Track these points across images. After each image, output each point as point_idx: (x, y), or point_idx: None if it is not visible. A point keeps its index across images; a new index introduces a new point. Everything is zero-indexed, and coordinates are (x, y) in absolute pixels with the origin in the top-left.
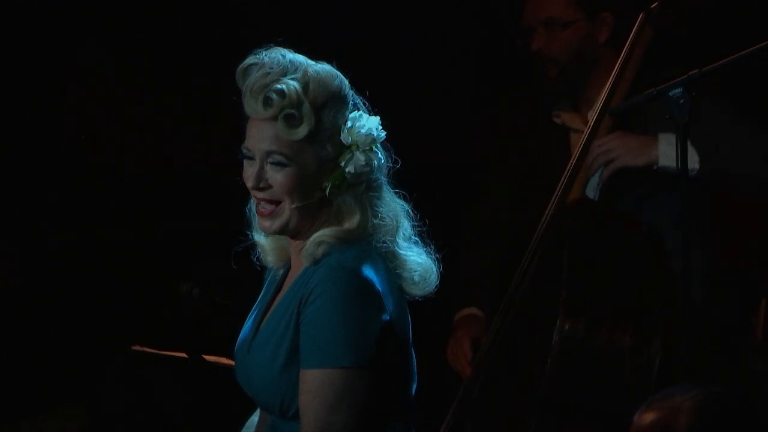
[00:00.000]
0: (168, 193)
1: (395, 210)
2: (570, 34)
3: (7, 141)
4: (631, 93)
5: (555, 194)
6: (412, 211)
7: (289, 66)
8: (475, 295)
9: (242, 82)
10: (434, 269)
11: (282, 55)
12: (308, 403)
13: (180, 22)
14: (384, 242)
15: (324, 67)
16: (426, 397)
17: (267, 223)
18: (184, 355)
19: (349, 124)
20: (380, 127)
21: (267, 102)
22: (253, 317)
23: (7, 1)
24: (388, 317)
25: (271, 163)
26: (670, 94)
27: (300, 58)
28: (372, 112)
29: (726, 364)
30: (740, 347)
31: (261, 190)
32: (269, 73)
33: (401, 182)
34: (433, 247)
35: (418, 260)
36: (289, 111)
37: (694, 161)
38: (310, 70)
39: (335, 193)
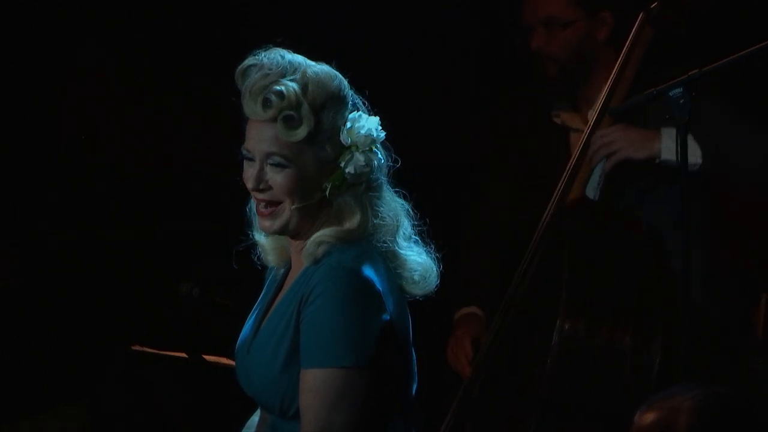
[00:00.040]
0: (168, 193)
1: (395, 209)
2: (570, 34)
3: (7, 141)
4: (631, 93)
5: (555, 194)
6: (412, 211)
7: (288, 67)
8: (476, 294)
9: (241, 83)
10: (434, 269)
11: (281, 56)
12: (308, 402)
13: (180, 22)
14: (384, 242)
15: (323, 68)
16: (426, 397)
17: (267, 224)
18: (184, 355)
19: (348, 124)
20: (380, 128)
21: (266, 103)
22: (253, 317)
23: (7, 1)
24: (388, 317)
25: (271, 165)
26: (670, 94)
27: (299, 58)
28: (372, 111)
29: (726, 364)
30: (740, 347)
31: (261, 191)
32: (268, 75)
33: (401, 182)
34: (433, 246)
35: (418, 260)
36: (288, 112)
37: (696, 155)
38: (309, 71)
39: (335, 194)
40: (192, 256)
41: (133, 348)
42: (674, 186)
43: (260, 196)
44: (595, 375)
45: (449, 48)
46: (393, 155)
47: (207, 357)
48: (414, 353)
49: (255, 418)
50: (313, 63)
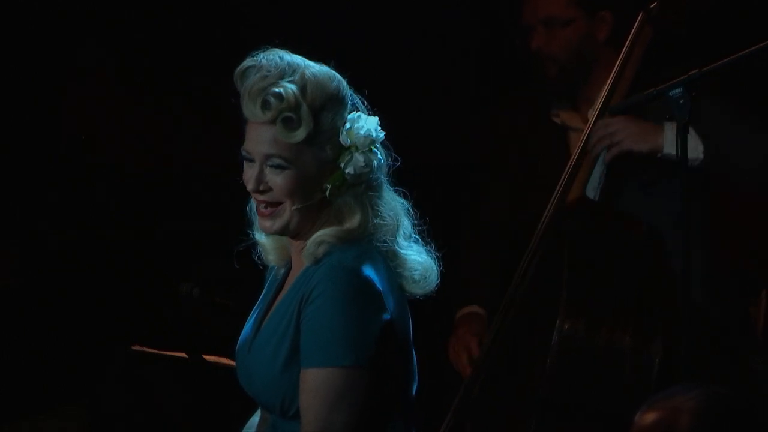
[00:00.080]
0: (168, 193)
1: (396, 209)
2: (569, 33)
3: (7, 141)
4: (630, 93)
5: (555, 194)
6: (412, 210)
7: (286, 68)
8: (477, 293)
9: (240, 85)
10: (434, 268)
11: (279, 57)
12: (309, 402)
13: (180, 22)
14: (384, 241)
15: (322, 69)
16: (426, 397)
17: (268, 224)
18: (184, 355)
19: (347, 125)
20: (379, 128)
21: (265, 105)
22: (254, 317)
23: (7, 1)
24: (388, 316)
25: (271, 166)
26: (670, 94)
27: (297, 59)
28: (372, 111)
29: (726, 364)
30: (740, 347)
31: (261, 192)
32: (267, 76)
33: (401, 182)
34: (433, 245)
35: (418, 259)
36: (287, 114)
37: (698, 151)
38: (307, 72)
39: (335, 194)
40: (192, 256)
41: (133, 348)
42: (675, 184)
43: (260, 197)
44: (595, 375)
45: (449, 48)
46: (392, 154)
47: (207, 357)
48: (414, 353)
49: (255, 418)
50: (312, 64)
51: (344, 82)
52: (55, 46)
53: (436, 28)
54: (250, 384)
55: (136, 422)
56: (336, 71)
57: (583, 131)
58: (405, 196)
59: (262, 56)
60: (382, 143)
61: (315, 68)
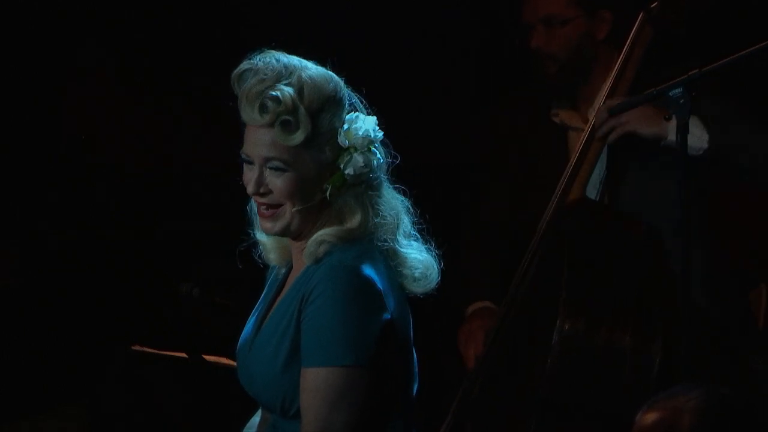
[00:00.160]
0: (168, 193)
1: (396, 207)
2: (569, 32)
3: (7, 141)
4: (631, 93)
5: (555, 194)
6: (412, 208)
7: (283, 71)
8: (483, 290)
9: (237, 88)
10: (435, 266)
11: (276, 60)
12: (309, 401)
13: (180, 22)
14: (385, 240)
15: (319, 71)
16: (426, 397)
17: (269, 225)
18: (184, 355)
19: (345, 126)
20: (377, 128)
21: (263, 109)
22: (255, 316)
23: (7, 1)
24: (389, 316)
25: (270, 169)
26: (670, 94)
27: (294, 61)
28: (372, 111)
29: (726, 364)
30: (740, 347)
31: (262, 195)
32: (264, 80)
33: (402, 182)
34: (433, 243)
35: (418, 257)
36: (285, 117)
37: (703, 140)
38: (304, 74)
39: (336, 195)
40: (192, 256)
41: (133, 348)
42: (675, 185)
43: (261, 199)
44: (595, 375)
45: (449, 48)
46: (392, 152)
47: (207, 357)
48: (414, 353)
49: (256, 418)
50: (309, 65)
51: (341, 83)
52: (55, 46)
53: (436, 28)
54: (250, 384)
55: (136, 422)
56: (336, 71)
57: (582, 130)
58: (404, 194)
59: (258, 59)
60: (381, 141)
61: (312, 70)
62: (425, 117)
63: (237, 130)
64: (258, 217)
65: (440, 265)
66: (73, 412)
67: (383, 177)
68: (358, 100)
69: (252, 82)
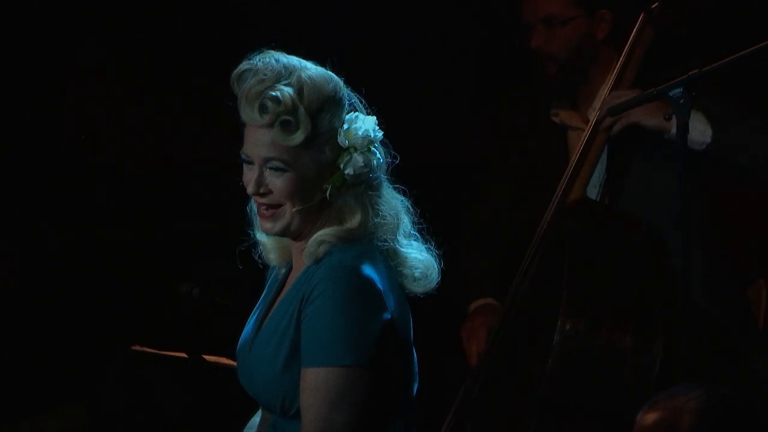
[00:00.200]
0: (168, 193)
1: (396, 207)
2: (569, 31)
3: (7, 141)
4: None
5: (555, 194)
6: (412, 208)
7: (282, 71)
8: (483, 289)
9: (237, 89)
10: (435, 266)
11: (275, 60)
12: (309, 401)
13: (180, 22)
14: (385, 240)
15: (318, 71)
16: (426, 397)
17: (269, 225)
18: (184, 355)
19: (345, 126)
20: (377, 128)
21: (262, 109)
22: (255, 316)
23: (7, 1)
24: (389, 316)
25: (270, 169)
26: (670, 94)
27: (294, 61)
28: (371, 111)
29: (726, 364)
30: (740, 347)
31: (262, 195)
32: (263, 80)
33: (402, 183)
34: (433, 243)
35: (418, 257)
36: (284, 117)
37: (706, 135)
38: (303, 74)
39: (336, 195)
40: (192, 256)
41: (133, 348)
42: (675, 185)
43: (261, 200)
44: (595, 375)
45: (449, 48)
46: (392, 152)
47: (207, 357)
48: (415, 352)
49: (256, 418)
50: (308, 65)
51: (341, 83)
52: (55, 46)
53: (436, 28)
54: (250, 384)
55: (136, 422)
56: (336, 71)
57: (582, 130)
58: (404, 194)
59: (258, 59)
60: (381, 141)
61: (311, 70)
62: (425, 117)
63: (237, 130)
64: (258, 217)
65: (440, 265)
66: (73, 412)
67: (383, 177)
68: (357, 100)
69: (252, 83)
